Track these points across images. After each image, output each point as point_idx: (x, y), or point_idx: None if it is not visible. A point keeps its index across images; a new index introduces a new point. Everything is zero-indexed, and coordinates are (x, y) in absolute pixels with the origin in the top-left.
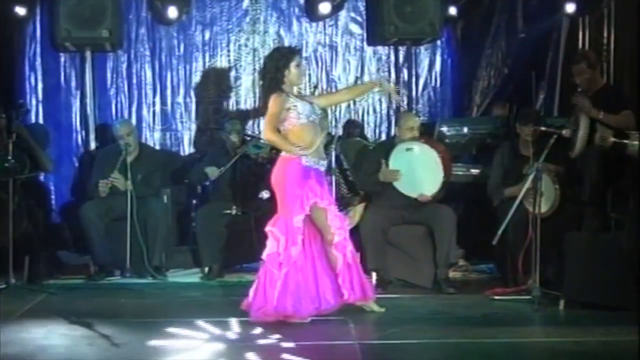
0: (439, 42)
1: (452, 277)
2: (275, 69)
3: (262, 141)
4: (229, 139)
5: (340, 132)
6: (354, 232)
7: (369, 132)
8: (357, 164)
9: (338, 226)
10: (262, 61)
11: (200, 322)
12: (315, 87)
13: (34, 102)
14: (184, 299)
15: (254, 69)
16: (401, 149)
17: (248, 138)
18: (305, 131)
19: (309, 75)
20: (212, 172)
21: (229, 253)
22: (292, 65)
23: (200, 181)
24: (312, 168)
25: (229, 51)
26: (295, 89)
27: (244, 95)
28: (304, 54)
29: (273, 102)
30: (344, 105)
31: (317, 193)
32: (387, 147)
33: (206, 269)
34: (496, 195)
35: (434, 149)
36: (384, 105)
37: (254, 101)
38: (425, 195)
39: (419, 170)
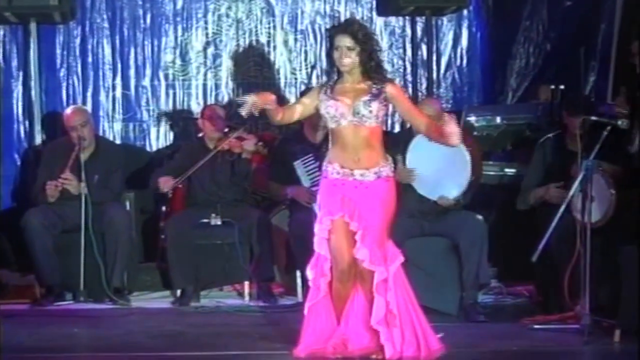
0: (465, 12)
1: (483, 301)
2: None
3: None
4: (207, 128)
5: None
6: None
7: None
8: None
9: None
10: (246, 35)
11: None
12: (313, 67)
13: None
14: (151, 329)
15: (238, 45)
16: (423, 138)
17: (231, 129)
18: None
19: (305, 53)
20: (165, 183)
21: (206, 273)
22: (333, 46)
23: (154, 191)
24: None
25: (206, 23)
26: (347, 76)
27: (225, 76)
28: (298, 27)
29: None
30: None
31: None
32: (401, 139)
33: (178, 292)
34: (521, 196)
35: (462, 143)
36: None
37: (238, 84)
38: (447, 199)
39: (442, 167)
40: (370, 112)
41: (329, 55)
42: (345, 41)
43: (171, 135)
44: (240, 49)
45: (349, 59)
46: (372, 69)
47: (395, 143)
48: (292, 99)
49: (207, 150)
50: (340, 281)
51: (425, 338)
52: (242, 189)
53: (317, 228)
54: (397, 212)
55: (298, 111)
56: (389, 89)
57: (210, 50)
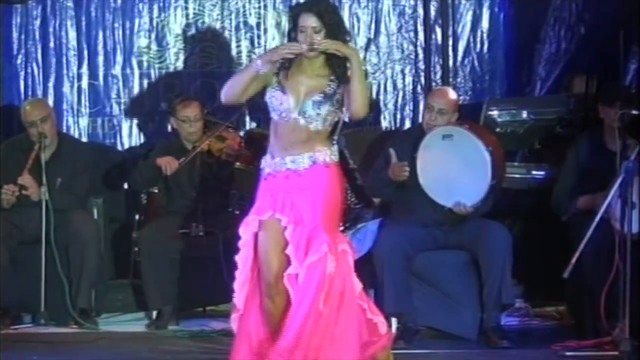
0: None
1: (506, 324)
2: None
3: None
4: (184, 128)
5: (345, 117)
6: (365, 262)
7: (386, 116)
8: (368, 162)
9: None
10: (233, 16)
11: None
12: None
13: None
14: (123, 357)
15: (223, 27)
16: (436, 136)
17: (211, 125)
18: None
19: None
20: (171, 166)
21: (187, 290)
22: (297, 26)
23: (149, 181)
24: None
25: (186, 2)
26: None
27: (208, 63)
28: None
29: None
30: None
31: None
32: (412, 137)
33: (154, 314)
34: (565, 206)
35: (480, 139)
36: (409, 80)
37: (223, 72)
38: (464, 205)
39: (457, 169)
40: (318, 114)
41: (290, 37)
42: (311, 21)
43: (145, 132)
44: (226, 32)
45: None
46: (336, 58)
47: (402, 143)
48: None
49: (186, 150)
50: (269, 296)
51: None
52: (226, 194)
53: (241, 231)
54: (400, 219)
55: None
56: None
57: (191, 33)
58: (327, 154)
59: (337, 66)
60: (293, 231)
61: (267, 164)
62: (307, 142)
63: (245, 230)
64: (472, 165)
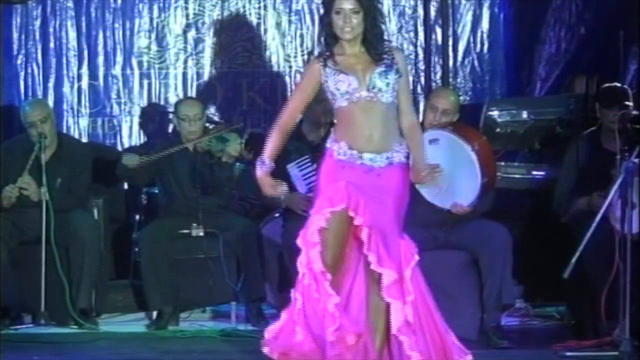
0: None
1: (506, 324)
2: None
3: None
4: (184, 127)
5: None
6: None
7: None
8: None
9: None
10: (233, 17)
11: None
12: (310, 53)
13: None
14: (123, 357)
15: (223, 27)
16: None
17: (211, 126)
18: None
19: (301, 37)
20: (130, 160)
21: (187, 291)
22: (333, 10)
23: (123, 177)
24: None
25: (186, 2)
26: (347, 45)
27: (208, 64)
28: (293, 6)
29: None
30: None
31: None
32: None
33: (154, 314)
34: (565, 207)
35: (464, 140)
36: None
37: (223, 73)
38: (460, 206)
39: (449, 171)
40: (388, 84)
41: (324, 22)
42: (349, 3)
43: (146, 132)
44: (226, 33)
45: (354, 24)
46: (375, 37)
47: None
48: (287, 91)
49: (185, 150)
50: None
51: (448, 347)
52: (227, 194)
53: (311, 218)
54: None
55: (300, 109)
56: (399, 57)
57: (191, 33)
58: (401, 154)
59: (373, 47)
60: (369, 235)
61: (342, 150)
62: (384, 128)
63: (316, 220)
64: (462, 166)
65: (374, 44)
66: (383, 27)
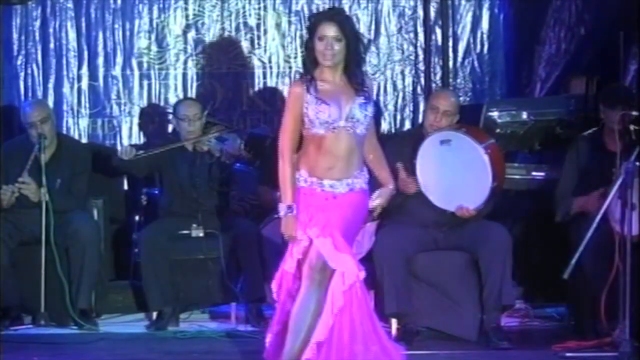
0: None
1: (506, 325)
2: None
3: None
4: (183, 128)
5: None
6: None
7: (386, 118)
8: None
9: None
10: (233, 17)
11: None
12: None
13: None
14: (123, 358)
15: (223, 29)
16: (434, 142)
17: (211, 127)
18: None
19: (301, 38)
20: (126, 152)
21: (187, 292)
22: (316, 36)
23: (120, 168)
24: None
25: (186, 3)
26: (328, 71)
27: (208, 65)
28: (293, 7)
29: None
30: None
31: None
32: (412, 138)
33: (154, 315)
34: (562, 206)
35: (478, 143)
36: (409, 81)
37: (223, 74)
38: (466, 209)
39: (457, 173)
40: (366, 117)
41: (308, 47)
42: (331, 30)
43: (145, 133)
44: (226, 33)
45: (336, 51)
46: (357, 66)
47: (402, 145)
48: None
49: (185, 150)
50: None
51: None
52: (226, 195)
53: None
54: (400, 221)
55: (297, 133)
56: (369, 84)
57: (191, 34)
58: (362, 181)
59: (354, 75)
60: (334, 242)
61: (301, 178)
62: (352, 157)
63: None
64: (472, 169)
65: (355, 72)
66: (363, 57)
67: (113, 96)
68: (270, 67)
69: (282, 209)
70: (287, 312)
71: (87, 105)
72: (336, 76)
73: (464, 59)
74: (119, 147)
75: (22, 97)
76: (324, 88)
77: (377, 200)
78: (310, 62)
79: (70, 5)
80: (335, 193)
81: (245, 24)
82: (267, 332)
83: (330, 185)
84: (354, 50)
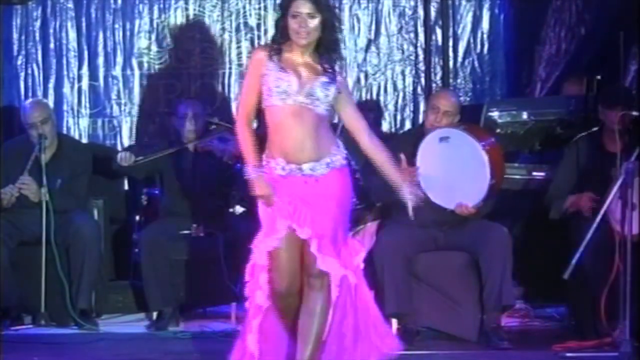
0: None
1: (506, 325)
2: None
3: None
4: (184, 128)
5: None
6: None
7: (386, 118)
8: (370, 164)
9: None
10: (233, 17)
11: None
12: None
13: None
14: (123, 358)
15: (223, 29)
16: (433, 139)
17: (212, 127)
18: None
19: None
20: (125, 158)
21: (187, 292)
22: (289, 13)
23: (119, 172)
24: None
25: (186, 3)
26: (298, 50)
27: (208, 64)
28: None
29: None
30: (350, 80)
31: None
32: (412, 138)
33: (154, 315)
34: (554, 204)
35: (477, 140)
36: (409, 81)
37: (223, 73)
38: (465, 206)
39: (457, 171)
40: (327, 97)
41: (279, 25)
42: (306, 7)
43: (146, 133)
44: (226, 34)
45: (310, 28)
46: (331, 45)
47: (402, 145)
48: None
49: (186, 150)
50: (279, 299)
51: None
52: (227, 195)
53: (257, 250)
54: (400, 221)
55: (255, 101)
56: (339, 78)
57: (191, 34)
58: (341, 157)
59: (328, 54)
60: (319, 245)
61: (279, 167)
62: (316, 138)
63: (261, 250)
64: (471, 166)
65: (329, 51)
66: (340, 36)
67: (113, 96)
68: None
69: (248, 171)
70: (259, 307)
71: (88, 105)
72: (306, 56)
73: (464, 59)
74: (119, 149)
75: (22, 97)
76: (288, 59)
77: (409, 203)
78: (283, 36)
79: (70, 5)
80: (316, 176)
81: (246, 24)
82: (246, 333)
83: (310, 168)
84: (330, 29)
